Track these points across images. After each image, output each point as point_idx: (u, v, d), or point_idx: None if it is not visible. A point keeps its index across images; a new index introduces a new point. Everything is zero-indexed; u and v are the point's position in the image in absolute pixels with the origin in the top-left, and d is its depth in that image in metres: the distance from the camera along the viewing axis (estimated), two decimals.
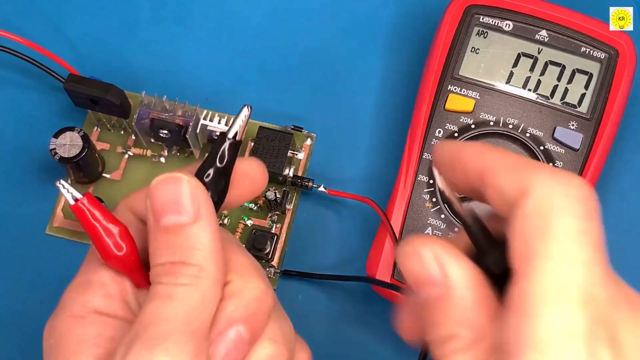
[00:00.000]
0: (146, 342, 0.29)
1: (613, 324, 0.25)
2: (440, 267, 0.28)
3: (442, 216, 0.45)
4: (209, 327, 0.31)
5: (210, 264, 0.31)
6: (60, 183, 0.31)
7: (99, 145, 0.50)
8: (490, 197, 0.28)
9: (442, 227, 0.45)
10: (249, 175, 0.34)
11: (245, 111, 0.33)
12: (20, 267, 0.49)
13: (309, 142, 0.51)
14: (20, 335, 0.47)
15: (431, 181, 0.46)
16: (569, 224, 0.25)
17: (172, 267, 0.31)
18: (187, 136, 0.47)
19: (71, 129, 0.47)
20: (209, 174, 0.32)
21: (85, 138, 0.47)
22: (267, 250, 0.47)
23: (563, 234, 0.25)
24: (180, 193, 0.31)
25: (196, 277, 0.31)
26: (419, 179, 0.46)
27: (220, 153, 0.32)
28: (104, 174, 0.50)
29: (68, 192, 0.31)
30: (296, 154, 0.50)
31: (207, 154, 0.32)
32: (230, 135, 0.32)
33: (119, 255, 0.32)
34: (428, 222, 0.45)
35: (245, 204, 0.49)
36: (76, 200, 0.31)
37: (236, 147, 0.32)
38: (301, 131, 0.50)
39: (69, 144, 0.46)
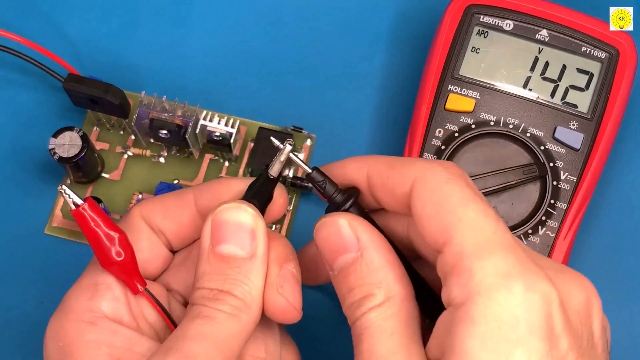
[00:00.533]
0: (182, 356, 0.30)
1: (535, 258, 0.30)
2: (353, 232, 0.32)
3: None
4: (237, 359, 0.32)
5: (254, 303, 0.32)
6: (62, 188, 0.32)
7: (98, 145, 0.50)
8: (380, 199, 0.34)
9: None
10: (277, 202, 0.37)
11: (288, 147, 0.35)
12: (19, 267, 0.49)
13: (308, 142, 0.51)
14: (18, 334, 0.47)
15: None
16: (460, 192, 0.30)
17: (219, 294, 0.32)
18: (187, 136, 0.47)
19: (70, 128, 0.47)
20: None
21: (85, 138, 0.46)
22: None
23: (460, 200, 0.30)
24: (241, 227, 0.32)
25: (239, 309, 0.32)
26: None
27: (263, 188, 0.35)
28: (103, 174, 0.50)
29: (69, 197, 0.32)
30: (296, 155, 0.50)
31: (249, 186, 0.35)
32: (274, 173, 0.35)
33: (119, 261, 0.32)
34: None
35: None
36: (77, 205, 0.32)
37: (275, 183, 0.35)
38: (301, 132, 0.50)
39: (68, 144, 0.46)
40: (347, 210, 0.34)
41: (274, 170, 0.35)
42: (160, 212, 0.37)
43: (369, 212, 0.35)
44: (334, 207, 0.35)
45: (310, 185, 0.49)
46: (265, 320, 0.34)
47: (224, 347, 0.31)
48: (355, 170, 0.35)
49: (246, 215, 0.33)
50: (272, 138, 0.36)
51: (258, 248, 0.33)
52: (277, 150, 0.36)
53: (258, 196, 0.35)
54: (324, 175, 0.35)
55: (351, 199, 0.34)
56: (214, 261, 0.32)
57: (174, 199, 0.38)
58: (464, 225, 0.29)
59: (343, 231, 0.33)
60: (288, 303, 0.34)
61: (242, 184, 0.36)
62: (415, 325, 0.32)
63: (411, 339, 0.31)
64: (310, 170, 0.34)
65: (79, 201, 0.32)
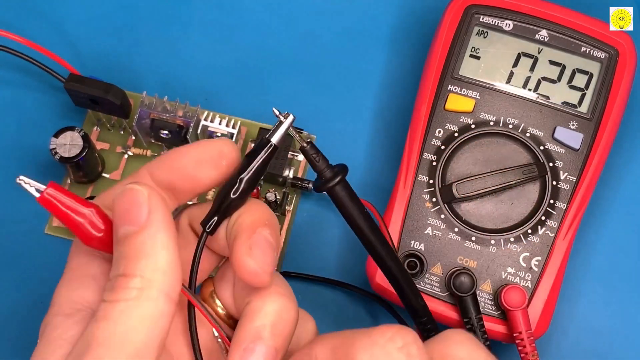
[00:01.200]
0: None
1: None
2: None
3: (442, 216, 0.45)
4: (162, 344, 0.29)
5: (158, 275, 0.29)
6: (20, 179, 0.30)
7: (99, 145, 0.50)
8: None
9: (442, 227, 0.45)
10: (226, 155, 0.33)
11: (290, 119, 0.34)
12: (19, 266, 0.49)
13: None
14: (17, 334, 0.47)
15: (431, 181, 0.46)
16: None
17: (115, 281, 0.29)
18: (188, 137, 0.47)
19: (71, 128, 0.47)
20: (248, 173, 0.33)
21: (86, 138, 0.47)
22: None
23: None
24: (131, 202, 0.30)
25: (139, 289, 0.29)
26: (419, 179, 0.46)
27: (263, 156, 0.33)
28: (103, 174, 0.50)
29: (30, 186, 0.30)
30: (296, 156, 0.50)
31: (246, 155, 0.33)
32: (275, 141, 0.33)
33: (99, 236, 0.31)
34: (428, 222, 0.45)
35: None
36: (41, 192, 0.30)
37: (274, 151, 0.34)
38: (301, 132, 0.50)
39: (69, 144, 0.46)
40: (334, 186, 0.34)
41: (275, 139, 0.34)
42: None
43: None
44: (322, 181, 0.34)
45: (310, 186, 0.49)
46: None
47: (124, 343, 0.28)
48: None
49: (131, 191, 0.30)
50: (274, 109, 0.34)
51: (152, 215, 0.30)
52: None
53: (249, 161, 0.33)
54: (317, 150, 0.34)
55: (339, 176, 0.34)
56: (116, 248, 0.30)
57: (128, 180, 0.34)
58: None
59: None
60: (256, 266, 0.31)
61: (196, 150, 0.33)
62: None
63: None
64: (305, 144, 0.34)
65: (42, 187, 0.30)
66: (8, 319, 0.48)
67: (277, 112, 0.34)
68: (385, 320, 0.46)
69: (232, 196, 0.33)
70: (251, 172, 0.33)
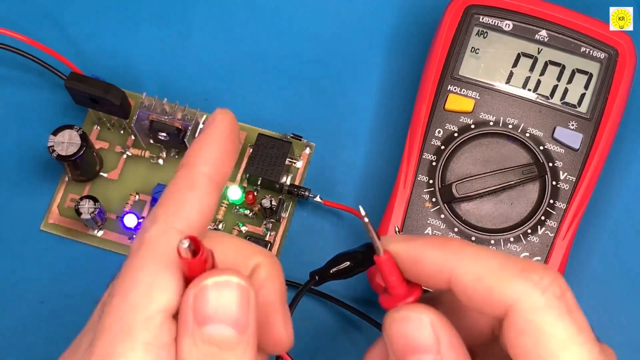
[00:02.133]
0: None
1: None
2: (434, 332, 0.29)
3: (442, 216, 0.45)
4: None
5: None
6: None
7: (98, 144, 0.50)
8: (466, 304, 0.30)
9: (441, 227, 0.45)
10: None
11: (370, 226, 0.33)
12: (12, 262, 0.49)
13: (307, 151, 0.51)
14: (13, 332, 0.47)
15: (431, 181, 0.46)
16: (562, 329, 0.28)
17: None
18: (186, 140, 0.47)
19: (70, 127, 0.47)
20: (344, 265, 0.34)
21: (84, 137, 0.46)
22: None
23: (562, 341, 0.28)
24: (228, 301, 0.28)
25: None
26: (418, 179, 0.46)
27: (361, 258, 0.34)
28: (101, 173, 0.50)
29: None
30: (294, 163, 0.50)
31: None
32: (381, 253, 0.32)
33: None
34: (428, 222, 0.45)
35: (241, 210, 0.49)
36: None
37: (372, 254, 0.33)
38: (300, 140, 0.50)
39: (67, 142, 0.46)
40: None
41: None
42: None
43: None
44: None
45: (306, 193, 0.48)
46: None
47: None
48: (434, 269, 0.31)
49: (232, 287, 0.28)
50: (360, 207, 0.32)
51: (249, 322, 0.28)
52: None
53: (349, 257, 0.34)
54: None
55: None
56: (202, 344, 0.28)
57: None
58: None
59: (424, 329, 0.30)
60: (289, 338, 0.31)
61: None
62: None
63: None
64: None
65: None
66: (2, 316, 0.48)
67: (363, 213, 0.32)
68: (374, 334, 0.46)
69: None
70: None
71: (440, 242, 0.31)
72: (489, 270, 0.29)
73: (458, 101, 0.47)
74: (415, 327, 0.30)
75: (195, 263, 0.27)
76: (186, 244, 0.27)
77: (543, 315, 0.28)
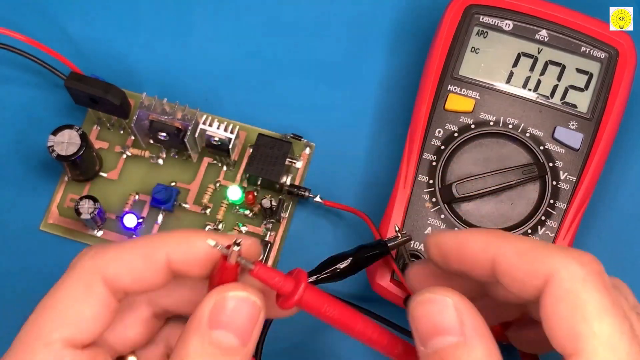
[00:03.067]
0: None
1: None
2: (458, 314, 0.30)
3: (442, 216, 0.45)
4: None
5: None
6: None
7: (98, 144, 0.50)
8: (506, 284, 0.31)
9: (442, 227, 0.45)
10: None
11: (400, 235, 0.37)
12: (12, 262, 0.49)
13: (307, 151, 0.51)
14: (10, 331, 0.47)
15: (431, 181, 0.46)
16: (598, 300, 0.29)
17: None
18: (186, 140, 0.47)
19: (70, 126, 0.46)
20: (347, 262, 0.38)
21: (84, 137, 0.46)
22: (260, 258, 0.47)
23: (597, 310, 0.29)
24: (242, 316, 0.31)
25: None
26: (418, 179, 0.46)
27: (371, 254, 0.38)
28: (101, 173, 0.50)
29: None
30: (294, 163, 0.50)
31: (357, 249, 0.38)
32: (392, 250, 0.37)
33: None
34: (428, 222, 0.45)
35: (241, 210, 0.49)
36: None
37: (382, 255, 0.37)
38: (300, 140, 0.50)
39: (67, 142, 0.46)
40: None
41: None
42: (127, 275, 0.33)
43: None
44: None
45: (306, 193, 0.48)
46: None
47: None
48: (478, 251, 0.32)
49: (249, 304, 0.31)
50: (395, 225, 0.39)
51: (252, 338, 0.31)
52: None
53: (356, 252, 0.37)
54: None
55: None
56: (208, 345, 0.31)
57: (142, 260, 0.33)
58: (597, 340, 0.29)
59: (448, 311, 0.31)
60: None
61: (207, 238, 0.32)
62: None
63: None
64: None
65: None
66: (2, 316, 0.47)
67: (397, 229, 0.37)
68: (384, 321, 0.46)
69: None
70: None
71: (484, 230, 0.34)
72: (531, 246, 0.31)
73: (458, 101, 0.47)
74: (439, 309, 0.31)
75: (231, 269, 0.31)
76: (237, 248, 0.30)
77: (582, 285, 0.29)
